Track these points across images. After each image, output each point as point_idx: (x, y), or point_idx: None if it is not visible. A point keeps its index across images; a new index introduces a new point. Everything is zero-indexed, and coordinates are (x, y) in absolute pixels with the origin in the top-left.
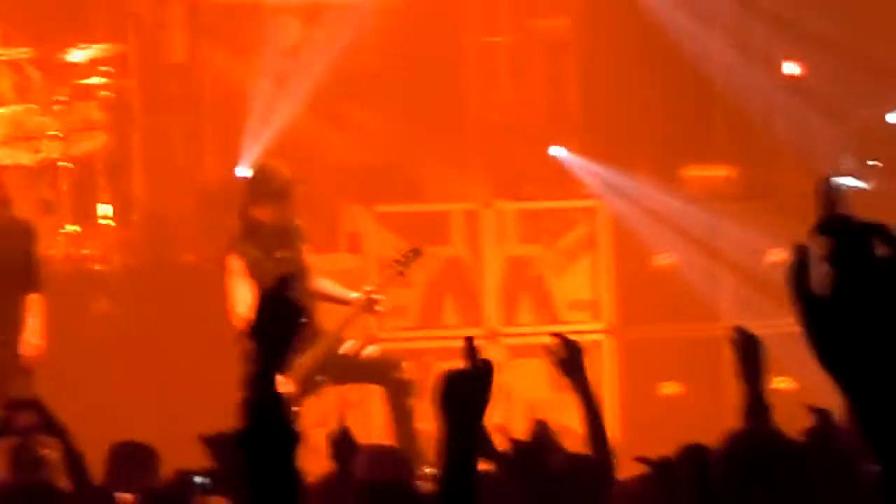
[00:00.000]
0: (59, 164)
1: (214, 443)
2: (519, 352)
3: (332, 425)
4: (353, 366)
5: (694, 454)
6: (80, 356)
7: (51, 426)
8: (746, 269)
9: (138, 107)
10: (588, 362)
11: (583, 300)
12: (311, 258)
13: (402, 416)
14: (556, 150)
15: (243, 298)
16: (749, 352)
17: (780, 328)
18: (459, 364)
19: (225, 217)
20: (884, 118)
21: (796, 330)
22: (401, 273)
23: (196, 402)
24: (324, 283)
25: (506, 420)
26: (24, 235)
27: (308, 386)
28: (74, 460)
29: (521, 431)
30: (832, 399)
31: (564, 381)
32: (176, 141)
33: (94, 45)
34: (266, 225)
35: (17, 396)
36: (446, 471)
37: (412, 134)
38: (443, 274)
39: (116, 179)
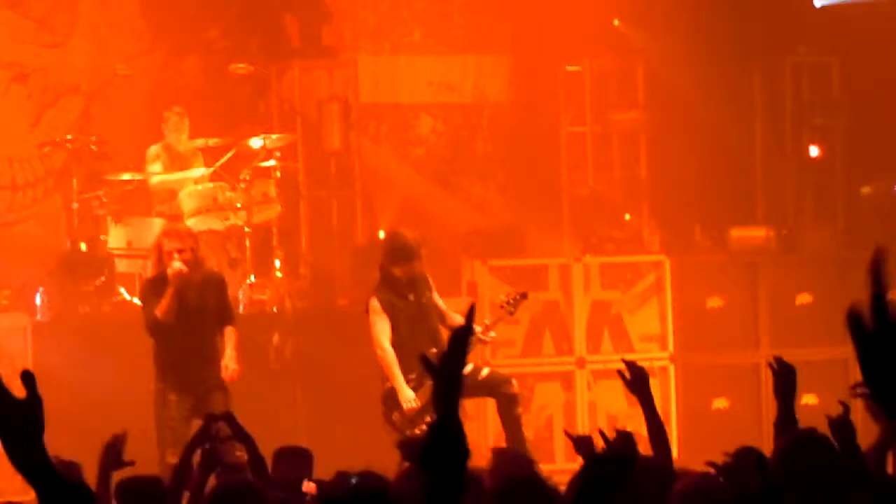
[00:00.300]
0: (244, 229)
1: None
2: (601, 375)
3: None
4: (471, 384)
5: (748, 454)
6: (260, 379)
7: (240, 434)
8: (780, 308)
9: (304, 184)
10: (654, 383)
11: (651, 334)
12: (438, 300)
13: (511, 424)
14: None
15: (381, 331)
16: (784, 376)
17: (808, 356)
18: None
19: (369, 270)
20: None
21: (820, 357)
22: (510, 313)
23: (345, 415)
24: (455, 318)
25: (592, 428)
26: (219, 285)
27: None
28: (258, 462)
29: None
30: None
31: (634, 398)
32: (333, 211)
33: (270, 136)
34: (399, 277)
35: (216, 410)
36: None
37: (518, 203)
38: (542, 313)
39: (287, 241)
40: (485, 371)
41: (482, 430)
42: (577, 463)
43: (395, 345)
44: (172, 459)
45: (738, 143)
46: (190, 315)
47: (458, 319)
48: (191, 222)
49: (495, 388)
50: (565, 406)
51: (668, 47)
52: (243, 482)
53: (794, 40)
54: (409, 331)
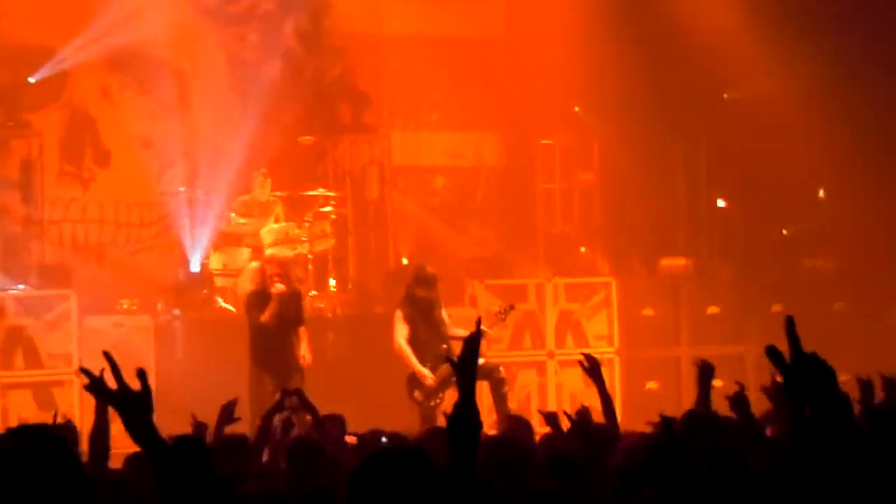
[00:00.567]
0: (307, 256)
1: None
2: (566, 364)
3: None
4: None
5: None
6: (319, 365)
7: (307, 405)
8: (695, 317)
9: (351, 224)
10: (604, 371)
11: (602, 334)
12: (447, 313)
13: (499, 400)
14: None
15: (400, 332)
16: (704, 370)
17: (714, 352)
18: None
19: (397, 287)
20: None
21: (722, 353)
22: (502, 319)
23: (378, 392)
24: (455, 330)
25: (559, 403)
26: (298, 297)
27: (446, 383)
28: (320, 425)
29: (571, 410)
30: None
31: (590, 381)
32: (371, 244)
33: (325, 190)
34: (421, 298)
35: (293, 387)
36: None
37: (506, 239)
38: (523, 319)
39: (339, 265)
40: (480, 360)
41: (480, 402)
42: (546, 430)
43: (413, 345)
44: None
45: (666, 197)
46: (280, 319)
47: (458, 331)
48: (269, 251)
49: (488, 373)
50: (539, 387)
51: (616, 127)
52: (311, 439)
53: (709, 124)
54: (425, 335)
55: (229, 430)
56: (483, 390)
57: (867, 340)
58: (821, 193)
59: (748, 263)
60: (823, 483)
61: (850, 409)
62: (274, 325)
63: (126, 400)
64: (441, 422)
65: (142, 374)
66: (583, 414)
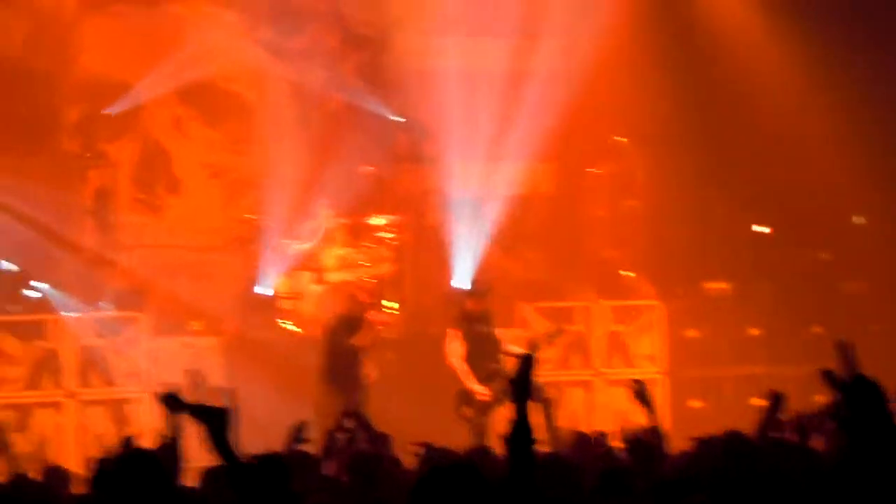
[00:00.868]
0: (367, 279)
1: None
2: (612, 383)
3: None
4: None
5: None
6: (381, 380)
7: (364, 425)
8: (736, 338)
9: (409, 248)
10: (651, 391)
11: (647, 354)
12: (499, 331)
13: (547, 418)
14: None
15: (455, 350)
16: (774, 399)
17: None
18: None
19: (451, 309)
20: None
21: (767, 372)
22: (550, 342)
23: (431, 406)
24: (509, 347)
25: (604, 420)
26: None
27: (497, 401)
28: (376, 442)
29: (617, 429)
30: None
31: (638, 403)
32: (428, 268)
33: (385, 216)
34: (472, 310)
35: (360, 404)
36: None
37: (556, 264)
38: (571, 340)
39: (397, 287)
40: None
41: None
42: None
43: (466, 360)
44: None
45: (707, 222)
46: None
47: (511, 348)
48: (331, 276)
49: (537, 393)
50: (586, 406)
51: (657, 158)
52: (370, 454)
53: (748, 153)
54: (478, 351)
55: None
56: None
57: None
58: (856, 219)
59: (787, 287)
60: (872, 499)
61: None
62: (363, 348)
63: (209, 415)
64: (491, 438)
65: (224, 394)
66: (631, 432)
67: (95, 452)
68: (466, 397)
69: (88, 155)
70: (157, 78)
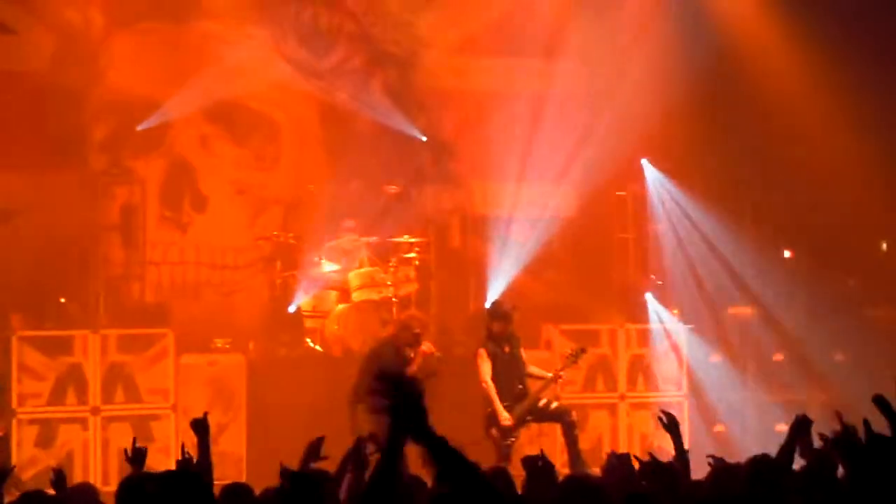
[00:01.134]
0: (392, 299)
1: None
2: (637, 406)
3: (536, 445)
4: (545, 413)
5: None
6: None
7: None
8: (762, 362)
9: (433, 269)
10: (673, 413)
11: (671, 378)
12: (525, 353)
13: (571, 441)
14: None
15: (486, 371)
16: (800, 424)
17: (782, 398)
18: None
19: (476, 329)
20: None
21: (788, 398)
22: (574, 362)
23: (457, 429)
24: (532, 368)
25: (630, 446)
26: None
27: (521, 423)
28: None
29: (641, 451)
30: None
31: (667, 433)
32: (453, 288)
33: (410, 236)
34: (498, 332)
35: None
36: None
37: (581, 286)
38: (596, 362)
39: (422, 308)
40: (554, 404)
41: (553, 443)
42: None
43: (494, 383)
44: None
45: (732, 247)
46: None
47: (535, 369)
48: (356, 294)
49: (561, 416)
50: (611, 428)
51: (681, 181)
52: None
53: (776, 177)
54: (504, 372)
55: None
56: (556, 431)
57: None
58: (884, 246)
59: (813, 312)
60: None
61: None
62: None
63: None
64: (515, 460)
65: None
66: (654, 455)
67: (120, 469)
68: (496, 419)
69: (116, 171)
70: (184, 95)
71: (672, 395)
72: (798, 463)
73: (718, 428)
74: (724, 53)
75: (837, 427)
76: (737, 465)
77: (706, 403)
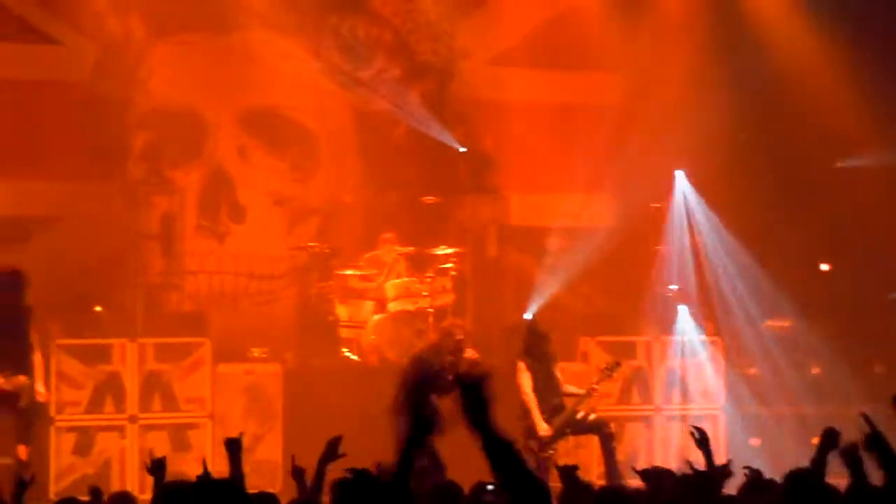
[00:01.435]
0: (428, 310)
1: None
2: (672, 419)
3: (573, 456)
4: (583, 425)
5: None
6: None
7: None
8: (799, 375)
9: (470, 279)
10: (709, 426)
11: (707, 391)
12: (560, 371)
13: (608, 453)
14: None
15: (526, 383)
16: (828, 437)
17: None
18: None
19: (513, 340)
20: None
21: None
22: (609, 376)
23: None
24: (567, 387)
25: (665, 456)
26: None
27: (559, 435)
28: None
29: (676, 464)
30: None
31: (699, 449)
32: (489, 299)
33: (447, 247)
34: (536, 350)
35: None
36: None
37: (617, 298)
38: (631, 375)
39: (459, 318)
40: (592, 416)
41: (590, 455)
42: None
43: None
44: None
45: (770, 259)
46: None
47: (570, 388)
48: (392, 305)
49: (599, 428)
50: (646, 441)
51: (718, 193)
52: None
53: (817, 189)
54: (542, 387)
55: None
56: (593, 443)
57: None
58: None
59: (850, 325)
60: None
61: None
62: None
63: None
64: (553, 472)
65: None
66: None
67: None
68: (534, 431)
69: (155, 181)
70: (223, 105)
71: (708, 407)
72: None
73: (755, 441)
74: (763, 63)
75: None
76: (772, 481)
77: (743, 416)
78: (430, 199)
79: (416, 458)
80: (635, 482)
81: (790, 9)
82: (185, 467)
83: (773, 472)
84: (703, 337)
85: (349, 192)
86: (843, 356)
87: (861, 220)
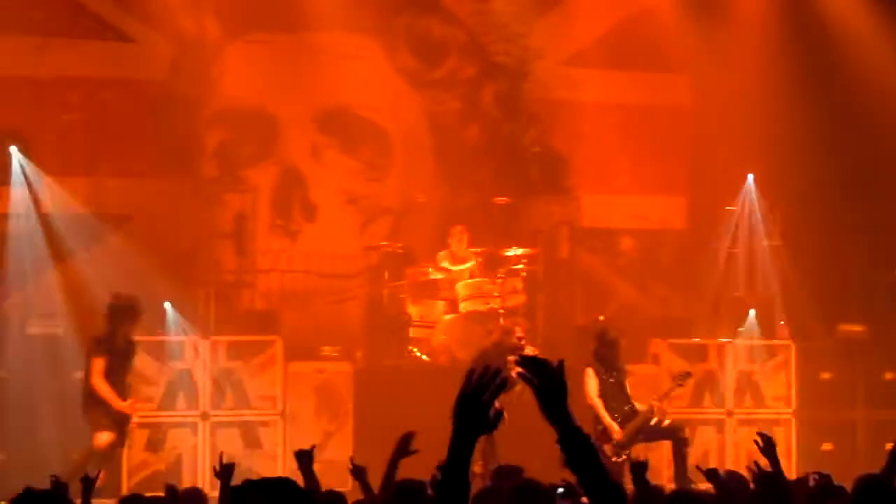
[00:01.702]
0: (499, 311)
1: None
2: (743, 423)
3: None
4: (657, 430)
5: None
6: (509, 413)
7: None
8: (872, 381)
9: (542, 280)
10: (779, 430)
11: (780, 395)
12: (629, 369)
13: (680, 457)
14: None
15: (593, 388)
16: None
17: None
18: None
19: (584, 342)
20: None
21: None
22: (680, 385)
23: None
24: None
25: (737, 461)
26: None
27: (631, 441)
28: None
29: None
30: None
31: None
32: (561, 300)
33: (519, 248)
34: (605, 358)
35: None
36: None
37: (689, 300)
38: (703, 378)
39: (529, 320)
40: (666, 421)
41: (662, 458)
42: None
43: (601, 400)
44: None
45: (845, 263)
46: None
47: (637, 405)
48: (463, 305)
49: (673, 433)
50: (717, 445)
51: (790, 195)
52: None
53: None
54: (611, 394)
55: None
56: (663, 446)
57: None
58: None
59: None
60: None
61: None
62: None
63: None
64: (627, 477)
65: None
66: (758, 471)
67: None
68: (607, 437)
69: (228, 180)
70: (296, 104)
71: (780, 411)
72: None
73: (826, 446)
74: (837, 65)
75: None
76: (842, 487)
77: (814, 421)
78: (502, 199)
79: (469, 457)
80: (705, 486)
81: (865, 8)
82: (256, 465)
83: (845, 477)
84: (775, 340)
85: (422, 191)
86: None
87: None
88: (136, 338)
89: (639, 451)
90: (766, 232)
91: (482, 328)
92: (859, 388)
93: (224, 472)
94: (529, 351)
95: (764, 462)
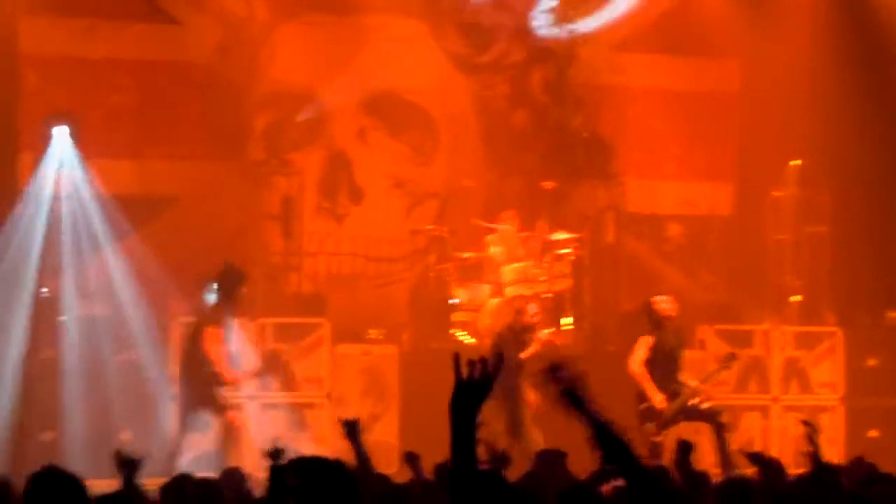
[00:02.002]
0: (543, 295)
1: None
2: (789, 409)
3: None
4: (697, 412)
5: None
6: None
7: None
8: None
9: (588, 265)
10: (826, 417)
11: (826, 382)
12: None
13: (720, 441)
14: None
15: (641, 354)
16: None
17: None
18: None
19: (631, 326)
20: None
21: None
22: (726, 367)
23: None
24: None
25: (782, 447)
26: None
27: (673, 420)
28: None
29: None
30: None
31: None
32: (606, 285)
33: (564, 231)
34: (655, 329)
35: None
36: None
37: (736, 286)
38: (748, 364)
39: (575, 304)
40: (706, 404)
41: (707, 442)
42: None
43: (651, 372)
44: None
45: (891, 251)
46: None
47: (690, 381)
48: (509, 290)
49: (711, 417)
50: (762, 431)
51: (844, 182)
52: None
53: None
54: (661, 367)
55: None
56: (707, 431)
57: None
58: None
59: None
60: None
61: None
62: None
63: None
64: (666, 458)
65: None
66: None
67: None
68: (650, 414)
69: (275, 162)
70: (343, 87)
71: (827, 398)
72: None
73: (873, 433)
74: (886, 50)
75: None
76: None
77: (862, 408)
78: (548, 184)
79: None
80: (751, 470)
81: None
82: (302, 447)
83: (892, 465)
84: (823, 327)
85: (469, 175)
86: None
87: None
88: (185, 319)
89: (681, 433)
90: (813, 218)
91: (519, 312)
92: None
93: (274, 454)
94: (542, 335)
95: (808, 449)
